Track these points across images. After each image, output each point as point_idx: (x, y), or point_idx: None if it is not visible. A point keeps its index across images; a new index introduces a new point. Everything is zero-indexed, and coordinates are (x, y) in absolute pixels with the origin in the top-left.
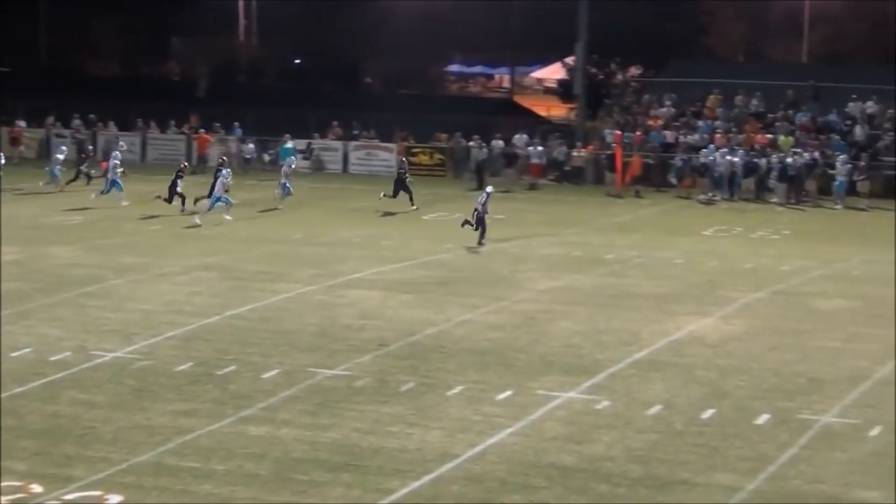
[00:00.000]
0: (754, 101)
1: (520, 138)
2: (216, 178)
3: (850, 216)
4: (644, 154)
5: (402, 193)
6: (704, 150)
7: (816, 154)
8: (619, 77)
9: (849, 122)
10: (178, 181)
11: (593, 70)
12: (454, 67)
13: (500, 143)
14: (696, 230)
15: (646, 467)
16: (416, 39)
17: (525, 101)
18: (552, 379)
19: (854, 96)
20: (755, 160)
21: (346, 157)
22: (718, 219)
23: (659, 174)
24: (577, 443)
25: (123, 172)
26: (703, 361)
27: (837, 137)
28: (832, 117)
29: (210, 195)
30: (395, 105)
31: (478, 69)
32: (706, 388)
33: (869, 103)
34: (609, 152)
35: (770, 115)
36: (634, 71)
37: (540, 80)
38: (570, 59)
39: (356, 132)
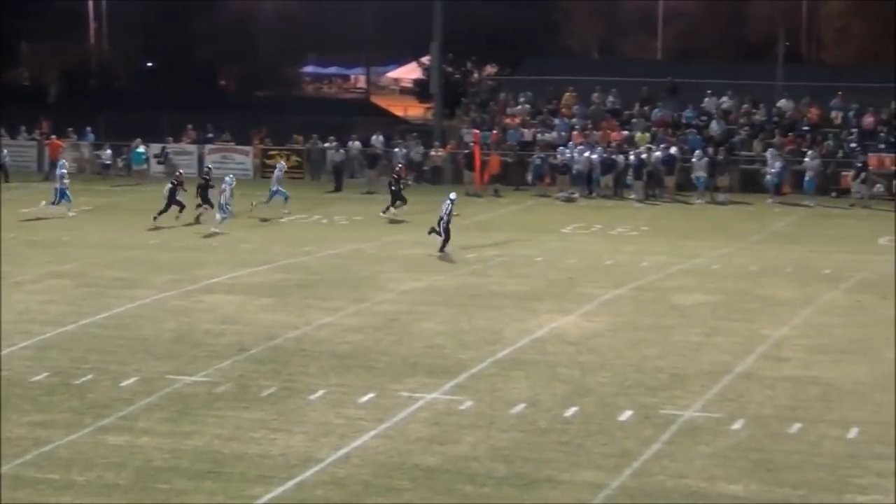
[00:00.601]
0: (610, 98)
1: (377, 139)
2: (205, 189)
3: (707, 211)
4: (502, 153)
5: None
6: (562, 148)
7: (674, 150)
8: (476, 76)
9: (704, 118)
10: (178, 189)
11: (449, 69)
12: (310, 68)
13: (358, 144)
14: (556, 228)
15: (510, 466)
16: (271, 40)
17: (382, 102)
18: (415, 380)
19: (709, 92)
20: (613, 157)
21: (202, 161)
22: (578, 216)
23: (517, 173)
24: (441, 443)
25: None
26: (566, 359)
27: (694, 132)
28: (688, 113)
29: (202, 202)
30: (251, 107)
31: (333, 70)
32: (569, 386)
33: (724, 98)
34: (467, 151)
35: (626, 112)
36: (490, 69)
37: (396, 80)
38: (425, 59)
39: (211, 135)
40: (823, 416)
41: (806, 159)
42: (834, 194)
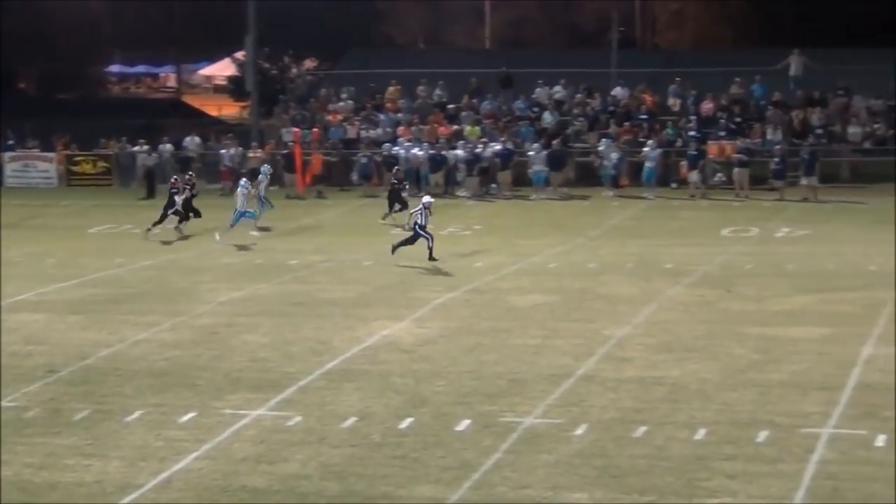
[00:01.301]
0: (437, 91)
1: (191, 140)
2: (176, 195)
3: (544, 207)
4: (324, 151)
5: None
6: (387, 145)
7: (510, 144)
8: (294, 71)
9: (536, 109)
10: (176, 197)
11: (265, 65)
12: (115, 68)
13: (170, 146)
14: (385, 230)
15: (343, 484)
16: (72, 39)
17: (194, 101)
18: (239, 397)
19: (540, 82)
20: (442, 153)
21: (1, 170)
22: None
23: (342, 172)
24: (270, 462)
25: None
26: (399, 368)
27: (526, 124)
28: (519, 104)
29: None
30: (53, 111)
31: (141, 68)
32: (403, 396)
33: (556, 88)
34: (286, 152)
35: (455, 105)
36: (309, 63)
37: (209, 78)
38: (239, 55)
39: (11, 142)
40: (669, 417)
41: (645, 149)
42: (675, 185)
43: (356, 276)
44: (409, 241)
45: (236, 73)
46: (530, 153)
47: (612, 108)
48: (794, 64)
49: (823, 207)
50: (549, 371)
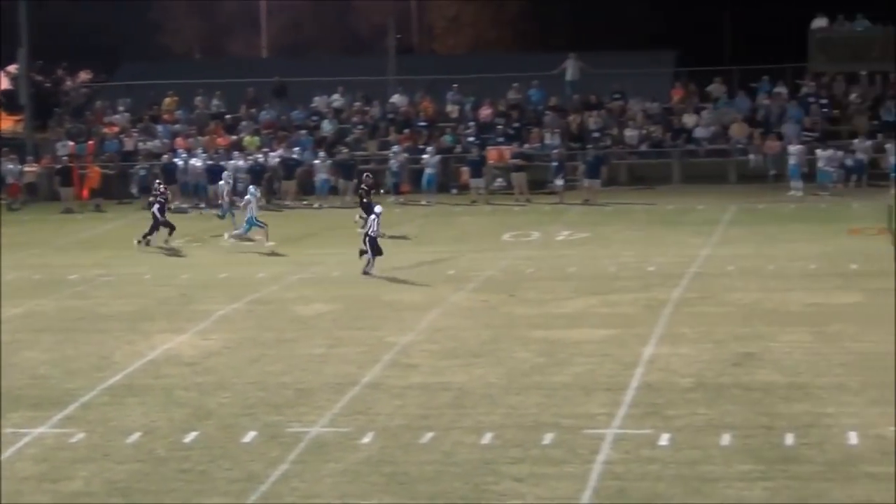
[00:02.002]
0: (215, 101)
1: None
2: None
3: (329, 215)
4: (102, 164)
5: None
6: (166, 156)
7: (295, 153)
8: (69, 83)
9: (315, 118)
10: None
11: (39, 77)
12: None
13: None
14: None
15: (129, 499)
16: None
17: None
18: (19, 415)
19: (319, 90)
20: (221, 164)
21: None
22: (188, 228)
23: (120, 185)
24: (53, 481)
25: None
26: (183, 381)
27: (305, 133)
28: (297, 113)
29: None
30: None
31: None
32: (188, 409)
33: (335, 96)
34: (61, 166)
35: (233, 115)
36: (84, 75)
37: None
38: (12, 67)
39: None
40: (456, 422)
41: (425, 156)
42: (455, 191)
43: (136, 290)
44: (372, 252)
45: (9, 87)
46: (315, 162)
47: (391, 116)
48: (571, 68)
49: (603, 210)
50: (334, 380)
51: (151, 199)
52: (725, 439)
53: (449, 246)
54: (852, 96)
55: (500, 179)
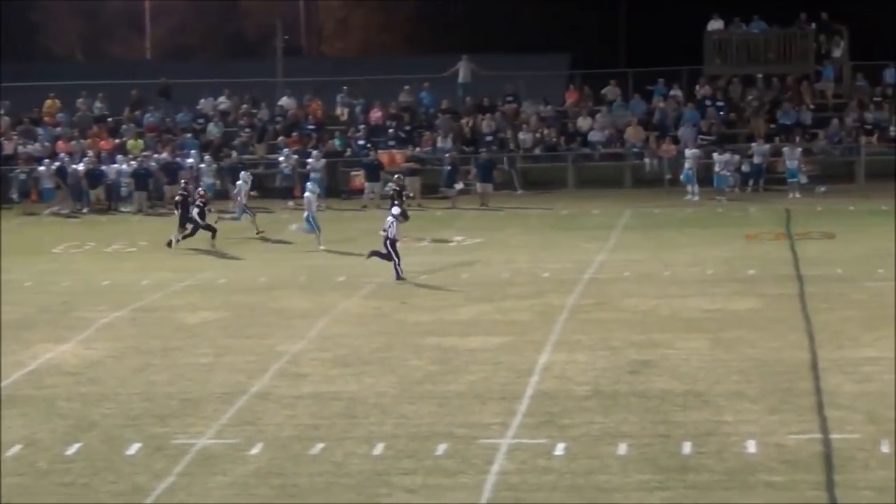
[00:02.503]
0: (97, 104)
1: None
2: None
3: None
4: None
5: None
6: (48, 160)
7: (180, 158)
8: None
9: (201, 121)
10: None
11: None
12: None
13: None
14: (46, 248)
15: None
16: None
17: None
18: None
19: (205, 92)
20: (103, 167)
21: None
22: (69, 234)
23: None
24: None
25: None
26: (65, 392)
27: (190, 137)
28: (182, 116)
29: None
30: None
31: None
32: (70, 421)
33: (221, 99)
34: None
35: (115, 118)
36: None
37: None
38: None
39: None
40: (348, 433)
41: (310, 160)
42: (345, 196)
43: (17, 298)
44: (387, 255)
45: None
46: (202, 166)
47: (279, 119)
48: (463, 70)
49: (496, 215)
50: (222, 390)
51: (180, 198)
52: (622, 448)
53: (340, 251)
54: (749, 99)
55: (391, 184)
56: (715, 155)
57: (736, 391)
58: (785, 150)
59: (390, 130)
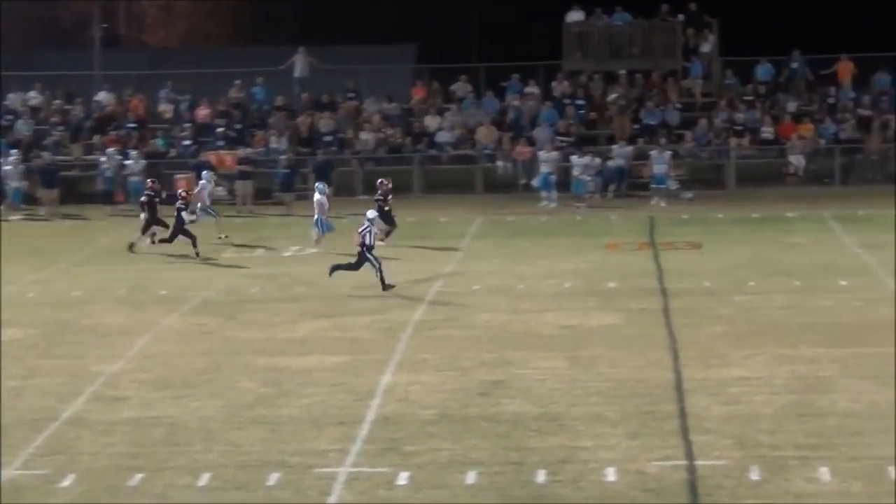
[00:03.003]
0: None
1: None
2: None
3: (21, 229)
4: None
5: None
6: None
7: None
8: None
9: (10, 117)
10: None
11: None
12: None
13: None
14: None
15: None
16: None
17: None
18: None
19: (13, 86)
20: None
21: None
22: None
23: None
24: None
25: None
26: None
27: None
28: None
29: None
30: None
31: None
32: None
33: (32, 93)
34: None
35: None
36: None
37: None
38: None
39: None
40: (169, 461)
41: (129, 161)
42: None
43: None
44: (354, 266)
45: None
46: (7, 168)
47: (96, 115)
48: (299, 64)
49: (337, 223)
50: (30, 416)
51: (146, 199)
52: (471, 477)
53: (161, 262)
54: (611, 97)
55: (220, 188)
56: (573, 158)
57: (595, 414)
58: (653, 153)
59: (219, 129)
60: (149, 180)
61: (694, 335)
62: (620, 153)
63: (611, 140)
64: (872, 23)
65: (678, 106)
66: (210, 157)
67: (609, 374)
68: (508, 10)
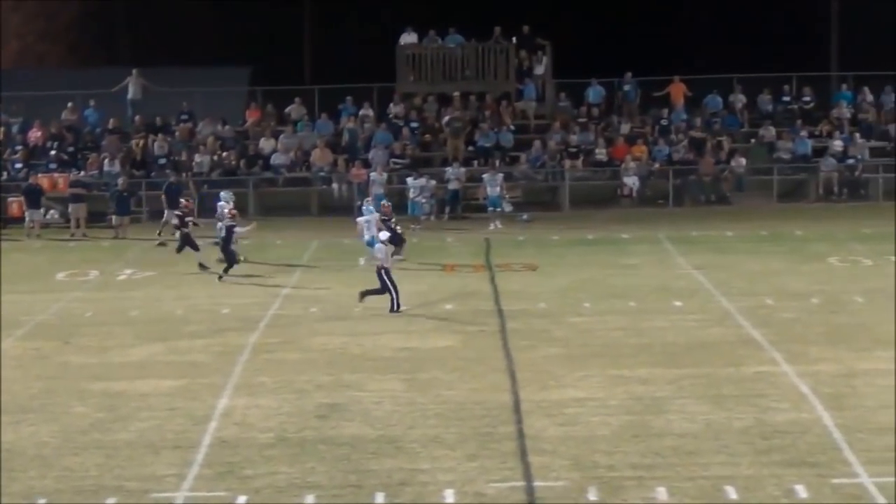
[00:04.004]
0: None
1: None
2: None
3: None
4: None
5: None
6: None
7: None
8: None
9: None
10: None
11: None
12: None
13: None
14: None
15: None
16: None
17: None
18: None
19: None
20: None
21: None
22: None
23: None
24: None
25: None
26: None
27: None
28: None
29: None
30: None
31: None
32: None
33: None
34: None
35: None
36: None
37: None
38: None
39: None
40: (4, 488)
41: None
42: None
43: None
44: (379, 290)
45: None
46: None
47: None
48: (133, 86)
49: (171, 246)
50: None
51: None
52: (309, 500)
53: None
54: (445, 119)
55: (53, 211)
56: (409, 180)
57: (432, 436)
58: (485, 176)
59: (52, 152)
60: (182, 199)
61: (531, 357)
62: (454, 174)
63: (445, 162)
64: (704, 45)
65: (512, 128)
66: (42, 179)
67: (447, 397)
68: (342, 33)
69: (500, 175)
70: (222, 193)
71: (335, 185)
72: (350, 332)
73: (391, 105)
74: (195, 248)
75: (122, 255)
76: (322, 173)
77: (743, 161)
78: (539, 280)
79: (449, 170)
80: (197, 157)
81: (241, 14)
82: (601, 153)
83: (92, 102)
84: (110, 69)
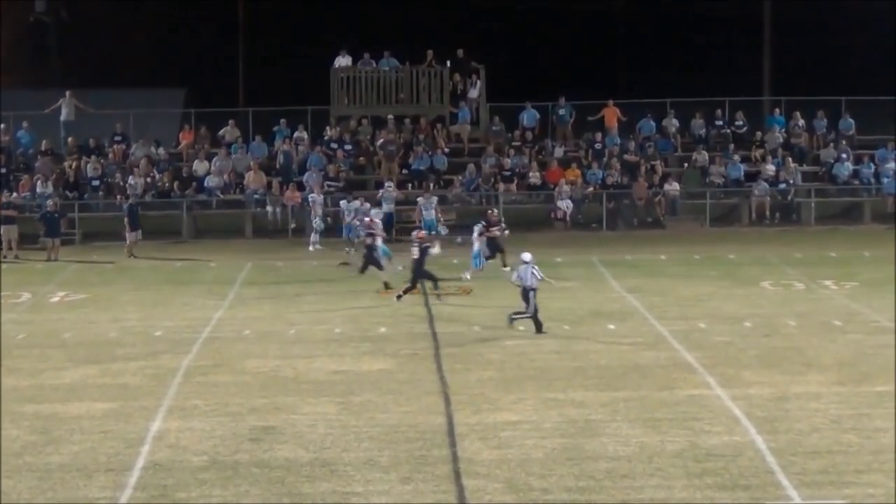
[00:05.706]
0: None
1: None
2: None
3: None
4: None
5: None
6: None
7: None
8: None
9: None
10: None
11: None
12: None
13: None
14: None
15: None
16: None
17: None
18: None
19: None
20: None
21: None
22: None
23: None
24: None
25: None
26: None
27: None
28: None
29: None
30: None
31: None
32: None
33: None
34: None
35: None
36: None
37: None
38: None
39: None
40: None
41: None
42: None
43: None
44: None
45: None
46: None
47: None
48: (66, 107)
49: (103, 268)
50: None
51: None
52: None
53: None
54: (379, 142)
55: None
56: (342, 203)
57: (366, 459)
58: (420, 199)
59: None
60: (367, 217)
61: (465, 380)
62: (388, 197)
63: (379, 185)
64: (638, 70)
65: (446, 151)
66: None
67: (381, 420)
68: (276, 55)
69: (434, 198)
70: (372, 210)
71: (269, 208)
72: (283, 355)
73: (326, 128)
74: (379, 267)
75: (54, 277)
76: (256, 196)
77: (676, 185)
78: (473, 303)
79: (382, 192)
80: (130, 179)
81: (174, 36)
82: (535, 177)
83: (25, 124)
84: (43, 91)
